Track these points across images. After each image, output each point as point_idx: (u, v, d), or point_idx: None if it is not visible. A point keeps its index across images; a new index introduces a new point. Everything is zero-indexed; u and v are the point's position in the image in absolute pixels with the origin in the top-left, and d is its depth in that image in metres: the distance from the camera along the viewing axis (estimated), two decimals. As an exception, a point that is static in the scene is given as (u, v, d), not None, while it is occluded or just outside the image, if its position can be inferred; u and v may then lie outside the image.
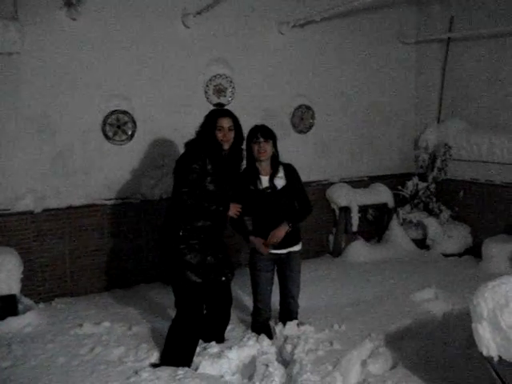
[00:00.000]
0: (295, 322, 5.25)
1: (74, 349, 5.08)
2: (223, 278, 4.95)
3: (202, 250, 4.73)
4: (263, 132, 5.08)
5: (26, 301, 6.03)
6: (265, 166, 5.12)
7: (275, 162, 5.16)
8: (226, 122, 4.79)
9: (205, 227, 4.74)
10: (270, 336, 5.14)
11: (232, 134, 4.82)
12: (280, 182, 5.12)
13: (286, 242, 5.12)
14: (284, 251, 5.18)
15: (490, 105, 7.96)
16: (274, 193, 5.08)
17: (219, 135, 4.76)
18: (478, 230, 7.99)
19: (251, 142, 5.05)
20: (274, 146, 5.16)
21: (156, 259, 6.66)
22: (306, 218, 5.29)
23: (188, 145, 4.87)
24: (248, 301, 5.82)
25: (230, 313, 5.21)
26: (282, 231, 5.03)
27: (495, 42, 7.83)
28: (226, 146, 4.80)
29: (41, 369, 4.70)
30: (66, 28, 6.35)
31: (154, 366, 4.67)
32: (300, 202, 5.20)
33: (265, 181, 5.10)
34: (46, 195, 6.41)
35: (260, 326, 5.29)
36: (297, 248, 5.26)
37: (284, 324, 5.23)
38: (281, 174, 5.15)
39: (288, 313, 5.33)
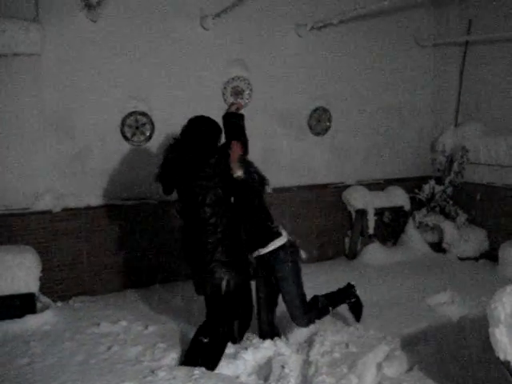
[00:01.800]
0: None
1: (91, 347, 5.13)
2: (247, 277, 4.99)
3: (231, 250, 4.75)
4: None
5: (44, 299, 6.10)
6: None
7: None
8: None
9: (227, 227, 4.75)
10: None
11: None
12: None
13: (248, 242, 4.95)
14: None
15: (508, 108, 7.90)
16: None
17: None
18: (494, 233, 7.93)
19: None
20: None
21: (173, 259, 6.73)
22: None
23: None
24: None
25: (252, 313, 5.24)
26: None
27: (514, 45, 7.79)
28: None
29: (58, 367, 4.76)
30: (86, 30, 6.43)
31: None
32: None
33: None
34: (65, 195, 6.50)
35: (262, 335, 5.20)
36: (264, 251, 4.91)
37: None
38: None
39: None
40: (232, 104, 5.31)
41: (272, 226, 4.90)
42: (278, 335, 5.17)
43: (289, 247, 4.89)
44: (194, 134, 4.80)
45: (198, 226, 4.70)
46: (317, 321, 5.17)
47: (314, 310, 5.05)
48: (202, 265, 4.67)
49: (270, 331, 5.13)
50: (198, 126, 4.84)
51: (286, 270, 4.86)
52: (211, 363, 4.62)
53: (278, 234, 4.88)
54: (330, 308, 5.24)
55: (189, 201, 4.75)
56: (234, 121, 5.06)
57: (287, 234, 4.96)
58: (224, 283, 4.63)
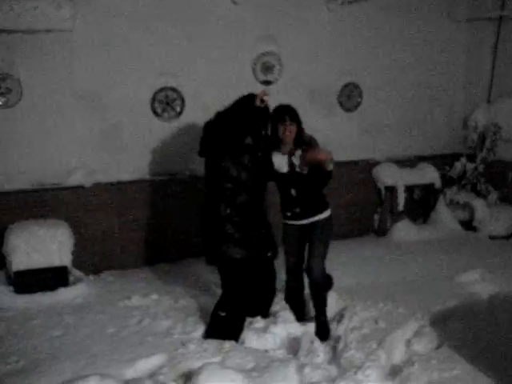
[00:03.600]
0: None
1: (122, 320, 5.21)
2: (269, 254, 5.01)
3: (245, 226, 4.82)
4: (290, 114, 4.93)
5: (77, 273, 6.19)
6: (287, 146, 4.95)
7: (298, 142, 4.94)
8: None
9: (245, 203, 4.82)
10: (299, 315, 5.15)
11: None
12: (297, 161, 4.89)
13: (305, 212, 4.99)
14: (304, 222, 5.02)
15: (543, 84, 7.78)
16: (291, 173, 4.92)
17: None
18: (526, 212, 7.85)
19: (278, 122, 4.92)
20: (299, 126, 4.95)
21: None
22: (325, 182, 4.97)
23: None
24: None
25: (275, 288, 5.27)
26: (320, 153, 4.77)
27: (549, 20, 7.63)
28: None
29: (91, 338, 4.85)
30: (116, 6, 6.43)
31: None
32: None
33: (283, 160, 4.93)
34: (96, 170, 6.57)
35: (289, 298, 5.28)
36: (321, 217, 5.01)
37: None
38: (299, 152, 4.90)
39: (309, 283, 5.07)
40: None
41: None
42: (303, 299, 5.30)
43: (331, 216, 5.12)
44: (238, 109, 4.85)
45: (216, 198, 4.82)
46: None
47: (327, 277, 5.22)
48: (214, 236, 4.82)
49: (297, 289, 5.26)
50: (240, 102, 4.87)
51: (328, 231, 5.03)
52: (232, 335, 4.70)
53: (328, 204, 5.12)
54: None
55: (214, 172, 4.86)
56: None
57: None
58: (231, 256, 4.76)
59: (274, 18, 7.23)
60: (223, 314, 4.73)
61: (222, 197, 4.79)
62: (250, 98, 4.82)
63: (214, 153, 4.83)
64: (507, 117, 8.00)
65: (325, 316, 5.04)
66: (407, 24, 8.13)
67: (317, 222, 4.99)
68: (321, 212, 5.01)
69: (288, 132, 4.87)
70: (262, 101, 4.80)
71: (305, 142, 4.91)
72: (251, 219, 4.88)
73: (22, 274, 5.74)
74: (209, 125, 4.90)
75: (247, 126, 4.80)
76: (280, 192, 5.07)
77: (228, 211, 4.76)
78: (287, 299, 5.28)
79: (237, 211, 4.79)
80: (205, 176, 5.03)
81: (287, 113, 4.92)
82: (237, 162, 4.77)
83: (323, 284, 5.06)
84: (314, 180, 4.88)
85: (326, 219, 5.03)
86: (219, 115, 4.88)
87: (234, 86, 6.96)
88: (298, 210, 4.97)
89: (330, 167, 4.76)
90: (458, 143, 8.72)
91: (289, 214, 5.03)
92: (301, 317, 5.15)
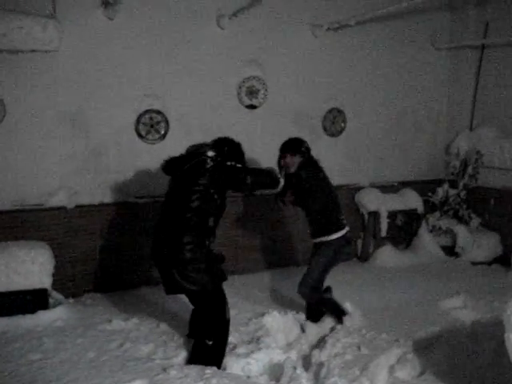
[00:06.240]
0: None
1: (103, 344, 5.13)
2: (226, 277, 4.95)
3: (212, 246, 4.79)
4: (284, 148, 5.64)
5: (57, 295, 6.10)
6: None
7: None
8: None
9: (212, 226, 4.77)
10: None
11: None
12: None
13: (312, 232, 5.67)
14: (314, 241, 5.65)
15: (524, 113, 7.88)
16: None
17: None
18: (507, 238, 7.91)
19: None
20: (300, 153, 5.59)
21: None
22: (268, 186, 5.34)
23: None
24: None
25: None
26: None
27: (531, 49, 7.75)
28: None
29: (70, 363, 4.76)
30: (102, 27, 6.45)
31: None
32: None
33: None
34: (79, 192, 6.52)
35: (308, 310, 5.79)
36: (324, 239, 5.54)
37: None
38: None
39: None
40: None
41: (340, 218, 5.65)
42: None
43: (341, 240, 5.58)
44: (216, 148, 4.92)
45: (174, 221, 4.71)
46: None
47: (319, 294, 5.62)
48: (176, 263, 4.64)
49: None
50: (222, 145, 4.97)
51: (325, 252, 5.54)
52: (215, 362, 4.64)
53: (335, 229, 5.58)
54: (328, 308, 5.73)
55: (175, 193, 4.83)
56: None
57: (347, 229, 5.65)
58: (204, 283, 4.64)
59: (260, 42, 7.29)
60: (210, 343, 4.66)
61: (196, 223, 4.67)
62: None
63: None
64: (489, 143, 8.09)
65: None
66: (392, 51, 8.25)
67: (319, 243, 5.57)
68: (322, 235, 5.54)
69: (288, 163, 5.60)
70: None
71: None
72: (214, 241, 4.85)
73: (1, 295, 5.64)
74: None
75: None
76: None
77: (188, 234, 4.64)
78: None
79: (207, 235, 4.73)
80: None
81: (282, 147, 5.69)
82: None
83: (306, 295, 5.59)
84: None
85: (325, 242, 5.52)
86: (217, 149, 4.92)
87: (218, 109, 7.02)
88: (308, 230, 5.77)
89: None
90: (441, 169, 8.82)
91: (308, 231, 5.77)
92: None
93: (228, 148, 4.96)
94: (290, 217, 7.53)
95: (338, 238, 5.51)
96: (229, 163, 4.85)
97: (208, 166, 4.70)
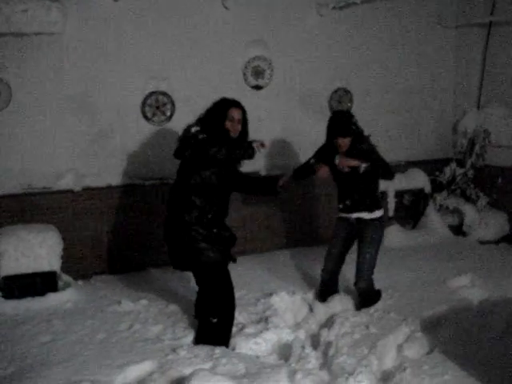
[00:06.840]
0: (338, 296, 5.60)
1: (112, 325, 5.17)
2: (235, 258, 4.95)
3: (216, 226, 4.74)
4: (342, 132, 5.29)
5: (66, 277, 6.13)
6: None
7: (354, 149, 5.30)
8: (237, 114, 4.74)
9: (213, 206, 4.73)
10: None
11: (239, 127, 4.76)
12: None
13: (354, 206, 5.40)
14: (352, 216, 5.44)
15: (532, 90, 7.82)
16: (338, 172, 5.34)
17: (228, 125, 4.69)
18: (515, 217, 7.89)
19: (333, 137, 5.35)
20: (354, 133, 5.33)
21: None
22: (387, 177, 5.50)
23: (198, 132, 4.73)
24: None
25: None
26: (350, 161, 5.15)
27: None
28: (233, 136, 4.73)
29: (80, 344, 4.80)
30: (107, 9, 6.41)
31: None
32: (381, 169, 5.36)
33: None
34: (86, 174, 6.53)
35: (320, 291, 5.72)
36: (367, 216, 5.38)
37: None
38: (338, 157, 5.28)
39: (356, 287, 5.53)
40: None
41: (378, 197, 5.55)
42: (337, 292, 5.66)
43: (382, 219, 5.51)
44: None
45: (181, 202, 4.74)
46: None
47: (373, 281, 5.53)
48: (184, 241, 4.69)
49: (330, 282, 5.67)
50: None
51: (378, 235, 5.42)
52: (223, 341, 4.67)
53: (380, 206, 5.51)
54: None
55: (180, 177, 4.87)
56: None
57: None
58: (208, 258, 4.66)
59: (265, 22, 7.24)
60: (215, 321, 4.68)
61: (192, 202, 4.69)
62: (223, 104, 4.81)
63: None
64: (496, 122, 8.04)
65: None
66: (398, 30, 8.17)
67: (365, 220, 5.38)
68: (370, 210, 5.37)
69: (340, 145, 5.30)
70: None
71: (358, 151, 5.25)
72: (219, 221, 4.81)
73: (10, 279, 5.68)
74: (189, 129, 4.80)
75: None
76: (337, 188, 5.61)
77: (192, 214, 4.67)
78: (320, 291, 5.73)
79: (207, 215, 4.71)
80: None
81: (340, 132, 5.30)
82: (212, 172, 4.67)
83: (370, 287, 5.54)
84: (356, 177, 5.23)
85: (375, 219, 5.40)
86: (200, 121, 4.80)
87: (224, 90, 6.95)
88: (348, 202, 5.43)
89: (361, 170, 5.11)
90: (448, 148, 8.76)
91: (341, 206, 5.50)
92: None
93: (203, 117, 4.82)
94: (298, 197, 7.53)
95: (383, 215, 5.52)
96: (200, 136, 4.62)
97: (191, 145, 4.65)
